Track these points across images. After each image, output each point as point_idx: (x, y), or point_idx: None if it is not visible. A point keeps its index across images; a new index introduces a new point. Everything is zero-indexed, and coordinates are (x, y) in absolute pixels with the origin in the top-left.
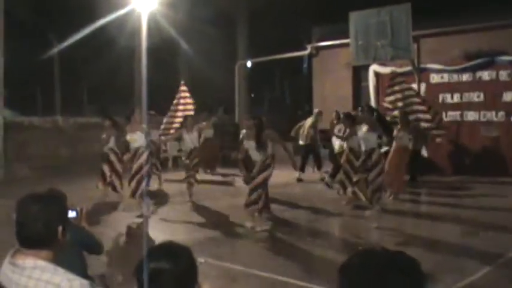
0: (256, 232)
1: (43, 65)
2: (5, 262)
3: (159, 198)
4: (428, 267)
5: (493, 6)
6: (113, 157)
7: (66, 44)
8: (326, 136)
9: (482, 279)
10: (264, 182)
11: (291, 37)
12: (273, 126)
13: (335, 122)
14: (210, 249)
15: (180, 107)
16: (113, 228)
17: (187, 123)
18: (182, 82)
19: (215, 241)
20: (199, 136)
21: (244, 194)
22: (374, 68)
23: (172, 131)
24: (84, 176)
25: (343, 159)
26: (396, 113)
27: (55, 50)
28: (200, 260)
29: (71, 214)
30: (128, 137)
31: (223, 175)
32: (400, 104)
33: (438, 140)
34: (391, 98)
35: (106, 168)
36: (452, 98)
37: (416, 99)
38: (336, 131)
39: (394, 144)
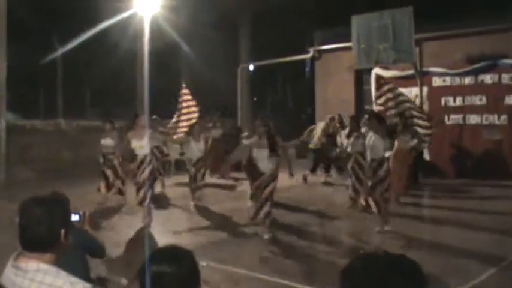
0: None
1: (45, 68)
2: (8, 265)
3: (162, 202)
4: (431, 270)
5: (495, 10)
6: (116, 162)
7: (68, 47)
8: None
9: (485, 282)
10: (272, 192)
11: (293, 40)
12: (278, 131)
13: (337, 125)
14: (212, 253)
15: (184, 111)
16: (116, 232)
17: (194, 131)
18: (183, 85)
19: (217, 244)
20: (206, 143)
21: (246, 198)
22: (376, 71)
23: (179, 135)
24: (86, 179)
25: (351, 163)
26: (394, 112)
27: (58, 53)
28: (202, 263)
29: (74, 217)
30: (134, 144)
31: (231, 178)
32: (391, 103)
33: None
34: (382, 99)
35: (109, 173)
36: (454, 101)
37: (409, 105)
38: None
39: (395, 147)
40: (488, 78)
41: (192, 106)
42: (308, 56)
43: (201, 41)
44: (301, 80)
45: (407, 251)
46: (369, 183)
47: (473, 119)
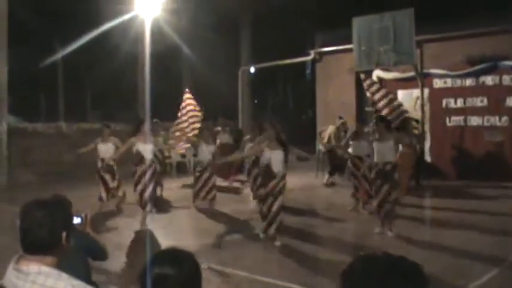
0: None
1: (47, 71)
2: (9, 268)
3: (163, 204)
4: (433, 272)
5: (496, 11)
6: (115, 167)
7: (69, 50)
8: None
9: (487, 284)
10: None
11: (294, 43)
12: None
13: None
14: (213, 255)
15: (184, 118)
16: (117, 234)
17: (204, 134)
18: (186, 90)
19: (218, 247)
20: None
21: (248, 200)
22: (377, 73)
23: (183, 139)
24: (87, 182)
25: (351, 166)
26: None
27: (59, 56)
28: (203, 265)
29: (76, 220)
30: (140, 148)
31: (237, 181)
32: (383, 102)
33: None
34: (375, 97)
35: (108, 177)
36: (455, 103)
37: (398, 104)
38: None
39: (399, 150)
40: (489, 80)
41: (195, 110)
42: (309, 58)
43: (202, 43)
44: (302, 82)
45: (410, 252)
46: (378, 187)
47: (475, 120)
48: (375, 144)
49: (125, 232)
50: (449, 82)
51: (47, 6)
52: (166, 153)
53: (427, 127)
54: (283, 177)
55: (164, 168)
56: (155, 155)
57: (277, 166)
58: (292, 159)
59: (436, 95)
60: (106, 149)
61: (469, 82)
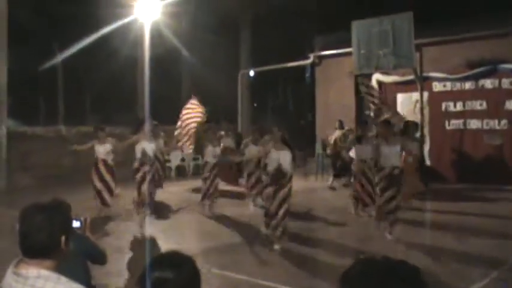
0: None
1: (46, 74)
2: (8, 272)
3: (163, 207)
4: (433, 275)
5: (495, 14)
6: (113, 167)
7: (69, 53)
8: (326, 142)
9: (487, 287)
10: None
11: (293, 46)
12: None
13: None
14: (213, 259)
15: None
16: (117, 238)
17: (209, 136)
18: (192, 95)
19: (219, 250)
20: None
21: (248, 203)
22: (377, 76)
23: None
24: (87, 185)
25: (355, 169)
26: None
27: (58, 59)
28: (203, 269)
29: (75, 224)
30: (145, 146)
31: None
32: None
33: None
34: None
35: (108, 178)
36: (455, 106)
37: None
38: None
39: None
40: (488, 83)
41: (194, 114)
42: (308, 61)
43: (202, 46)
44: (301, 85)
45: (410, 255)
46: (382, 189)
47: (474, 124)
48: (382, 148)
49: (124, 236)
50: (448, 85)
51: (47, 9)
52: (166, 156)
53: (426, 131)
54: (291, 178)
55: (164, 171)
56: (156, 157)
57: (286, 166)
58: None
59: (436, 99)
60: (104, 150)
61: (468, 85)
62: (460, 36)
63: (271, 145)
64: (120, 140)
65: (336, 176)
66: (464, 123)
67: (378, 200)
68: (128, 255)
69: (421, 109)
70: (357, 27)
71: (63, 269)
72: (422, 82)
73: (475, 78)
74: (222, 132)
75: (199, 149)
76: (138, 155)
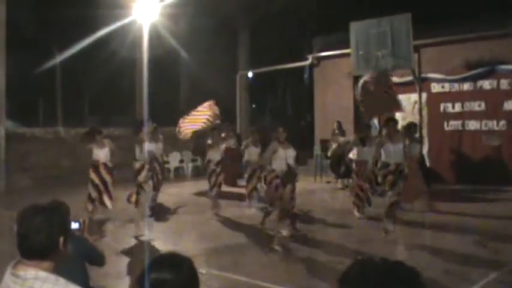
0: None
1: (45, 76)
2: (7, 273)
3: (162, 209)
4: (432, 276)
5: (493, 16)
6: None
7: (67, 55)
8: (327, 145)
9: (487, 287)
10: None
11: (292, 47)
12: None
13: (336, 131)
14: (213, 260)
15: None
16: (115, 240)
17: (214, 136)
18: (214, 101)
19: (218, 251)
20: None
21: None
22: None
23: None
24: (85, 187)
25: (356, 170)
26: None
27: (57, 61)
28: (201, 270)
29: (74, 225)
30: (148, 147)
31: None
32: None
33: None
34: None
35: (108, 178)
36: (453, 107)
37: None
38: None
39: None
40: (487, 84)
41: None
42: (307, 62)
43: (200, 48)
44: (300, 86)
45: (410, 256)
46: (391, 182)
47: (472, 125)
48: (386, 146)
49: (122, 237)
50: (447, 86)
51: (45, 11)
52: (165, 157)
53: (425, 132)
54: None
55: (163, 173)
56: (156, 158)
57: (291, 161)
58: None
59: (434, 100)
60: (104, 154)
61: (466, 86)
62: (458, 37)
63: (276, 144)
64: (115, 141)
65: (342, 176)
66: (463, 124)
67: (392, 193)
68: (127, 257)
69: (420, 110)
70: (355, 28)
71: (61, 270)
72: (420, 83)
73: (474, 79)
74: (223, 134)
75: (197, 151)
76: (139, 156)
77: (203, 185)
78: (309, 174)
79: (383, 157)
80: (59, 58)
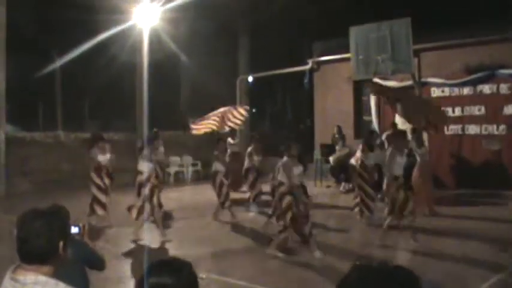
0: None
1: (45, 81)
2: (6, 278)
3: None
4: (434, 280)
5: (493, 20)
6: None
7: (67, 59)
8: (329, 150)
9: None
10: None
11: (292, 52)
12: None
13: (336, 136)
14: (212, 264)
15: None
16: (115, 244)
17: (220, 146)
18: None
19: (218, 256)
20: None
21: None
22: (375, 82)
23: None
24: (85, 191)
25: (358, 178)
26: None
27: (57, 65)
28: (201, 275)
29: (74, 230)
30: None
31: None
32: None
33: None
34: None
35: (107, 182)
36: (453, 111)
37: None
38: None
39: (418, 162)
40: (486, 89)
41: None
42: (307, 67)
43: (200, 52)
44: (300, 91)
45: (409, 260)
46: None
47: (472, 129)
48: (397, 158)
49: (122, 242)
50: (447, 91)
51: (45, 15)
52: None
53: (425, 136)
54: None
55: (163, 177)
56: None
57: (302, 180)
58: None
59: (434, 104)
60: (106, 160)
61: (466, 91)
62: (458, 41)
63: (291, 161)
64: (115, 146)
65: (346, 180)
66: (463, 129)
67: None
68: (127, 261)
69: None
70: (355, 32)
71: (61, 274)
72: (420, 87)
73: (474, 83)
74: (229, 139)
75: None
76: (144, 169)
77: (203, 189)
78: (309, 178)
79: (393, 169)
80: (59, 62)
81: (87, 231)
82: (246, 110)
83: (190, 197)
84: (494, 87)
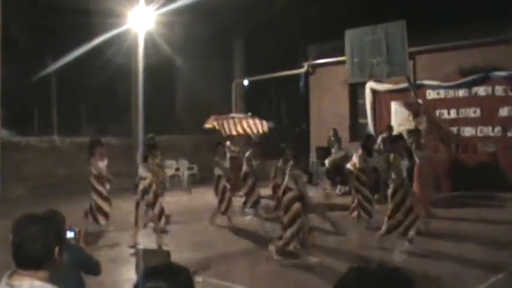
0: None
1: (40, 85)
2: (2, 283)
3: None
4: (432, 281)
5: (487, 23)
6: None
7: (63, 63)
8: (325, 153)
9: None
10: None
11: (287, 55)
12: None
13: (332, 139)
14: (210, 268)
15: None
16: (111, 249)
17: (220, 150)
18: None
19: (215, 260)
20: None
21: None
22: (370, 85)
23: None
24: (80, 196)
25: (355, 181)
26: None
27: (52, 70)
28: (198, 279)
29: (70, 235)
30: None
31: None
32: None
33: None
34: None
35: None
36: (449, 113)
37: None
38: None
39: (417, 164)
40: (481, 91)
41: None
42: (302, 70)
43: (196, 56)
44: (295, 94)
45: (407, 262)
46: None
47: (468, 131)
48: (403, 164)
49: (118, 247)
50: (442, 93)
51: (40, 19)
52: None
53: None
54: None
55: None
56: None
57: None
58: None
59: (430, 106)
60: (104, 166)
61: (461, 93)
62: (453, 44)
63: (299, 172)
64: (110, 150)
65: (342, 183)
66: (458, 131)
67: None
68: (123, 266)
69: None
70: (350, 36)
71: (56, 279)
72: (416, 90)
73: (469, 85)
74: (228, 143)
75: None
76: (144, 174)
77: (199, 193)
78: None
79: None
80: (54, 66)
81: (82, 236)
82: (270, 127)
83: (186, 201)
84: (489, 89)
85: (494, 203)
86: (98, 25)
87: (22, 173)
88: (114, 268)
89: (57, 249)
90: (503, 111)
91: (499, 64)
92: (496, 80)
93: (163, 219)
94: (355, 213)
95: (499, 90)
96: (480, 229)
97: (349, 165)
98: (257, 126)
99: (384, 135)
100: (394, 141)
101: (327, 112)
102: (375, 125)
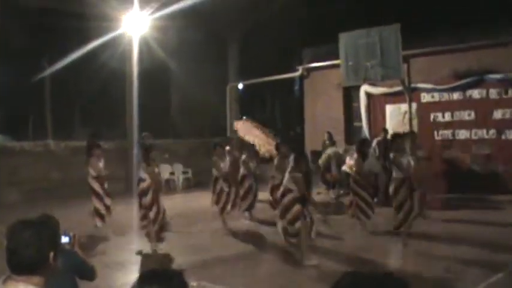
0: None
1: (35, 89)
2: None
3: None
4: (431, 282)
5: (482, 26)
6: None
7: (57, 67)
8: (319, 157)
9: None
10: None
11: (282, 59)
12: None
13: (327, 142)
14: (204, 272)
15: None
16: (106, 254)
17: (218, 152)
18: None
19: (209, 264)
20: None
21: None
22: (365, 88)
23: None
24: (75, 200)
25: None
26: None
27: (46, 74)
28: (192, 283)
29: (64, 239)
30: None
31: None
32: None
33: None
34: None
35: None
36: (443, 116)
37: None
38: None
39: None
40: (476, 94)
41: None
42: (297, 74)
43: (190, 60)
44: (290, 98)
45: (404, 264)
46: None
47: (463, 134)
48: (402, 160)
49: (113, 251)
50: (436, 96)
51: (35, 23)
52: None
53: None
54: None
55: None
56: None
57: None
58: None
59: (424, 109)
60: (101, 167)
61: (456, 96)
62: (447, 47)
63: (298, 174)
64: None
65: (337, 186)
66: (453, 134)
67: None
68: (118, 271)
69: (410, 120)
70: (345, 39)
71: (51, 285)
72: (410, 93)
73: (463, 88)
74: (227, 147)
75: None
76: (143, 176)
77: (194, 197)
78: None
79: (397, 173)
80: (49, 70)
81: (77, 241)
82: (275, 140)
83: (181, 205)
84: (484, 92)
85: (489, 205)
86: (92, 29)
87: (16, 178)
88: (109, 273)
89: (51, 254)
90: (498, 114)
91: (493, 67)
92: (491, 83)
93: (157, 225)
94: (351, 213)
95: (494, 93)
96: (476, 231)
97: (345, 168)
98: (265, 147)
99: (379, 138)
100: (394, 139)
101: (322, 115)
102: (369, 128)
